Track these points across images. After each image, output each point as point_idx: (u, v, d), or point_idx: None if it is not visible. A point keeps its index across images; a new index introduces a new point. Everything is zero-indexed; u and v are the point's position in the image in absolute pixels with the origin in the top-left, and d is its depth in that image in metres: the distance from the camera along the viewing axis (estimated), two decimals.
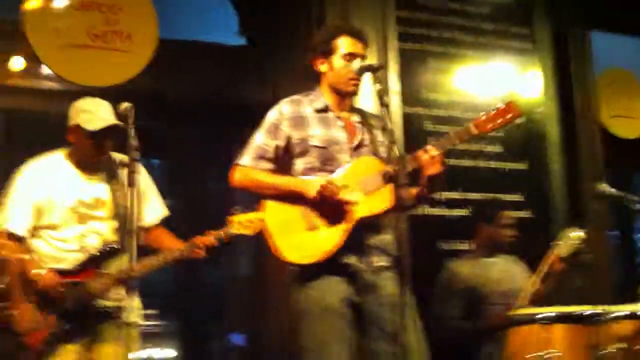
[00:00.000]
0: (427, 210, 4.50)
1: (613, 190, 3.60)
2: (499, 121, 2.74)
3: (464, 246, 4.47)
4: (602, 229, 5.00)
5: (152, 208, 3.34)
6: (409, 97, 4.63)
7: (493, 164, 4.80)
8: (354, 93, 2.98)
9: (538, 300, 3.85)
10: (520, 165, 4.90)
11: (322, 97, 3.00)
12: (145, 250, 3.12)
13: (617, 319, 3.22)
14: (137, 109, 2.69)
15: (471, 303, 3.95)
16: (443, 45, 4.85)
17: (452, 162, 4.58)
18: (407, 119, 4.57)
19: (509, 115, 2.73)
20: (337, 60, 2.94)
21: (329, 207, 2.79)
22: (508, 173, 4.83)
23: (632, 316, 3.27)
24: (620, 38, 6.23)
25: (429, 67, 4.78)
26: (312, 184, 2.80)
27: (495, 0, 5.09)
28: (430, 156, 2.73)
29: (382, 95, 2.64)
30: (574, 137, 5.12)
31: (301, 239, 2.80)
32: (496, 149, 4.82)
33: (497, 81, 4.92)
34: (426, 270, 4.14)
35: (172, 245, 3.20)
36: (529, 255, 4.20)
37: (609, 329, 3.14)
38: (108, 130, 3.09)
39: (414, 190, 2.89)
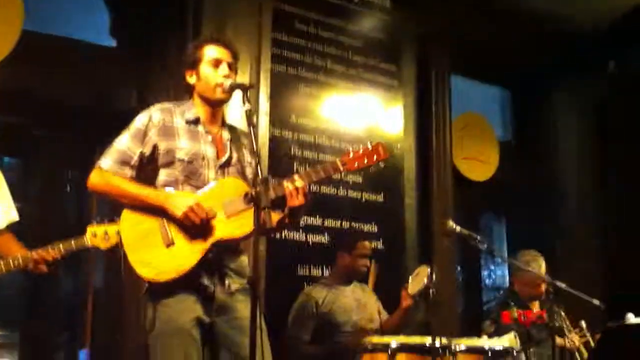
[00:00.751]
0: (286, 234, 4.52)
1: (460, 228, 3.78)
2: (365, 161, 2.82)
3: (320, 272, 4.54)
4: (449, 265, 5.24)
5: (1, 211, 3.13)
6: (277, 119, 4.66)
7: (352, 194, 4.91)
8: (223, 101, 2.94)
9: (388, 330, 3.98)
10: (377, 197, 5.04)
11: (194, 108, 2.95)
12: None
13: (459, 352, 3.40)
14: None
15: (324, 328, 4.01)
16: (315, 72, 4.94)
17: (313, 188, 4.64)
18: (274, 141, 4.60)
19: (375, 157, 2.83)
20: (204, 68, 2.91)
21: (194, 226, 2.72)
22: (365, 203, 4.96)
23: (473, 350, 3.46)
24: (478, 84, 6.62)
25: (299, 91, 4.85)
26: (178, 203, 2.72)
27: (367, 34, 5.25)
28: (294, 187, 2.75)
29: (250, 115, 2.64)
30: (428, 174, 5.35)
31: (157, 254, 2.72)
32: (355, 178, 4.94)
33: (363, 113, 5.08)
34: (283, 294, 4.18)
35: (15, 253, 3.01)
36: (380, 284, 4.36)
37: None
38: None
39: (275, 215, 2.89)
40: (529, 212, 6.42)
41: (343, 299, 4.14)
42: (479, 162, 6.25)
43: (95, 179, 2.84)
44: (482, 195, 6.35)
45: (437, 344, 3.11)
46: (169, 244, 2.73)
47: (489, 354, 3.42)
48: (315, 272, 4.57)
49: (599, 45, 6.12)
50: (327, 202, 4.73)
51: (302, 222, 4.56)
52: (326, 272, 4.42)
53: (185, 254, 2.71)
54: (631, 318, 4.17)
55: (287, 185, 2.76)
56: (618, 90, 6.32)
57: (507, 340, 3.64)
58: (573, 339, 4.43)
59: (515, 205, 6.60)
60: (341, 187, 4.86)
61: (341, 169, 2.82)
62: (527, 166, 6.44)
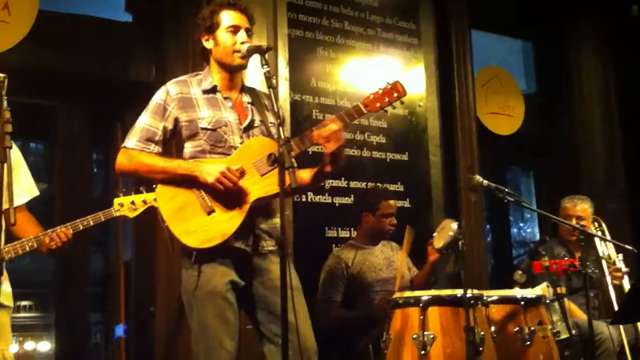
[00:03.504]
0: (312, 197, 4.53)
1: (485, 181, 3.76)
2: (386, 99, 2.83)
3: (348, 234, 4.55)
4: (477, 220, 5.22)
5: (22, 187, 3.17)
6: (297, 84, 4.64)
7: (376, 154, 4.89)
8: (241, 67, 2.94)
9: (418, 286, 3.99)
10: (402, 157, 5.02)
11: (210, 77, 2.95)
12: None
13: (491, 302, 3.40)
14: (15, 83, 2.53)
15: (355, 289, 4.03)
16: (332, 34, 4.89)
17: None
18: (295, 105, 4.58)
19: (395, 94, 2.84)
20: (221, 34, 2.90)
21: (226, 191, 2.74)
22: (390, 163, 4.94)
23: (506, 300, 3.46)
24: (498, 38, 6.53)
25: (317, 55, 4.81)
26: (208, 170, 2.74)
27: None
28: (331, 130, 2.75)
29: (269, 77, 2.62)
30: (453, 131, 5.31)
31: (200, 223, 2.74)
32: (380, 139, 4.92)
33: (383, 73, 5.01)
34: (311, 256, 4.21)
35: (31, 232, 3.05)
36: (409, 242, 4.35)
37: (483, 312, 3.30)
38: None
39: (305, 174, 2.93)
40: (555, 164, 6.36)
41: (372, 259, 4.15)
42: (504, 116, 6.18)
43: (122, 160, 2.86)
44: (508, 150, 6.30)
45: (469, 295, 3.11)
46: (210, 211, 2.76)
47: (522, 303, 3.42)
48: (344, 233, 4.58)
49: None
50: (351, 164, 4.71)
51: (327, 185, 4.58)
52: (354, 234, 4.42)
53: (227, 219, 2.74)
54: None
55: (320, 132, 2.76)
56: None
57: (540, 290, 3.64)
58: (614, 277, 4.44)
59: (542, 158, 6.53)
60: (365, 149, 4.85)
61: (364, 111, 2.83)
62: (552, 117, 6.35)
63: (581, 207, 4.77)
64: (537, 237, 6.39)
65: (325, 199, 4.59)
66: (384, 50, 5.12)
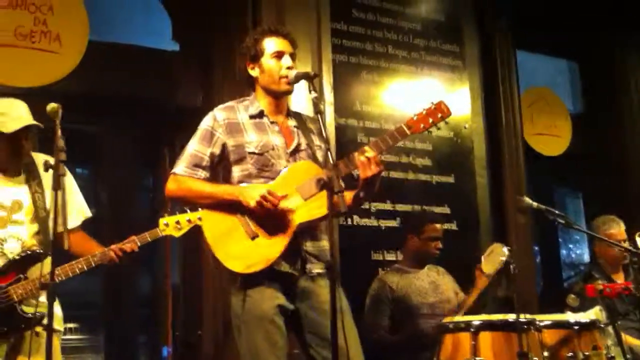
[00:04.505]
0: (359, 220, 4.52)
1: (535, 203, 3.70)
2: (430, 120, 2.78)
3: (394, 257, 4.53)
4: (526, 242, 5.14)
5: (75, 210, 3.23)
6: (342, 108, 4.66)
7: (422, 177, 4.88)
8: (288, 92, 2.95)
9: (466, 311, 3.94)
10: (448, 179, 4.99)
11: (257, 102, 2.97)
12: (67, 255, 3.02)
13: (544, 327, 3.33)
14: (67, 111, 2.60)
15: (401, 313, 4.00)
16: (376, 58, 4.92)
17: (384, 174, 4.63)
18: (340, 130, 4.60)
19: (439, 115, 2.79)
20: (267, 61, 2.92)
21: (269, 215, 2.75)
22: (436, 186, 4.92)
23: (558, 325, 3.39)
24: (543, 58, 6.47)
25: (361, 79, 4.83)
26: (251, 194, 2.75)
27: (427, 17, 5.19)
28: (366, 157, 2.73)
29: (317, 102, 2.64)
30: (499, 152, 5.27)
31: (244, 247, 2.76)
32: (425, 162, 4.91)
33: (428, 95, 4.97)
34: (358, 280, 4.19)
35: (92, 250, 3.10)
36: (456, 266, 4.32)
37: (536, 337, 3.24)
38: (24, 131, 3.00)
39: (348, 196, 2.89)
40: (604, 184, 6.24)
41: (417, 282, 4.12)
42: (550, 137, 6.12)
43: (171, 186, 2.92)
44: (556, 170, 6.22)
45: (521, 320, 3.05)
46: (254, 236, 2.77)
47: (575, 328, 3.34)
48: (389, 256, 4.57)
49: None
50: (397, 187, 4.71)
51: (373, 208, 4.57)
52: (400, 257, 4.39)
53: (271, 243, 2.74)
54: None
55: (359, 157, 2.74)
56: None
57: (593, 314, 3.56)
58: None
59: (590, 177, 6.42)
60: (411, 171, 4.84)
61: (407, 132, 2.79)
62: (599, 137, 6.25)
63: (622, 229, 4.63)
64: (586, 259, 6.26)
65: (371, 222, 4.58)
66: (428, 73, 5.12)
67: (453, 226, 4.91)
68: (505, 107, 5.32)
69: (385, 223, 4.64)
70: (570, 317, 3.45)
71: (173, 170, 2.92)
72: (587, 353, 3.31)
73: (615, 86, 6.33)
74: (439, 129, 2.89)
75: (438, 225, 4.22)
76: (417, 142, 4.89)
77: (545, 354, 3.31)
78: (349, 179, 2.77)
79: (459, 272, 4.29)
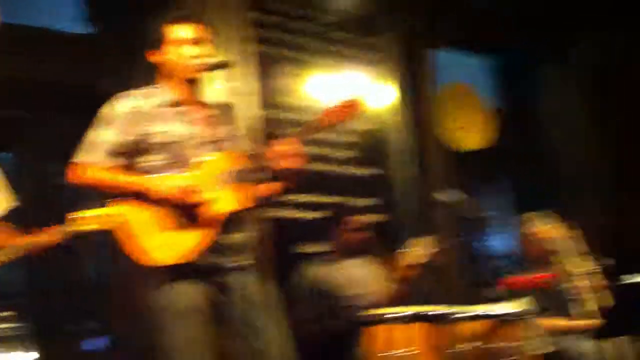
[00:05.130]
0: (285, 212, 4.46)
1: (454, 198, 3.72)
2: (346, 114, 2.77)
3: (320, 248, 4.47)
4: (449, 234, 5.19)
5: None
6: (263, 99, 4.58)
7: (347, 169, 4.85)
8: (198, 79, 2.83)
9: (393, 302, 3.92)
10: (373, 171, 4.99)
11: (165, 90, 2.82)
12: None
13: (469, 319, 3.34)
14: None
15: (327, 305, 3.94)
16: (297, 50, 4.89)
17: (309, 166, 4.59)
18: (261, 121, 4.51)
19: (354, 109, 2.78)
20: (176, 48, 2.78)
21: (188, 207, 2.64)
22: (361, 178, 4.90)
23: (483, 316, 3.40)
24: (464, 55, 6.55)
25: (283, 71, 4.79)
26: (163, 185, 2.63)
27: (346, 10, 5.18)
28: (285, 149, 2.68)
29: (231, 92, 2.56)
30: (422, 146, 5.30)
31: (165, 239, 2.63)
32: (350, 154, 4.88)
33: (348, 88, 4.97)
34: (283, 272, 4.12)
35: (14, 241, 2.94)
36: (381, 258, 4.31)
37: (461, 329, 3.24)
38: None
39: (268, 187, 2.85)
40: (527, 179, 6.38)
41: (344, 274, 4.08)
42: (473, 132, 6.17)
43: (74, 173, 2.75)
44: (481, 164, 6.30)
45: (445, 312, 3.05)
46: (174, 227, 2.64)
47: (499, 319, 3.36)
48: (316, 248, 4.49)
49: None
50: (323, 179, 4.68)
51: (299, 200, 4.51)
52: (327, 249, 4.35)
53: (193, 235, 2.64)
54: None
55: (277, 148, 2.68)
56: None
57: (516, 306, 3.59)
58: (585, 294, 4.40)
59: (515, 171, 6.55)
60: (335, 163, 4.81)
61: (325, 125, 2.76)
62: (522, 131, 6.38)
63: (551, 227, 4.71)
64: (513, 249, 6.37)
65: (297, 214, 4.51)
66: (349, 67, 5.10)
67: (378, 218, 4.90)
68: (425, 101, 5.36)
69: (311, 215, 4.58)
70: (494, 308, 3.47)
71: (74, 158, 2.75)
72: (510, 344, 3.34)
73: (536, 83, 6.46)
74: (352, 122, 2.92)
75: (361, 218, 4.19)
76: (342, 135, 4.85)
77: (471, 345, 3.32)
78: (267, 171, 2.70)
79: (384, 264, 4.28)
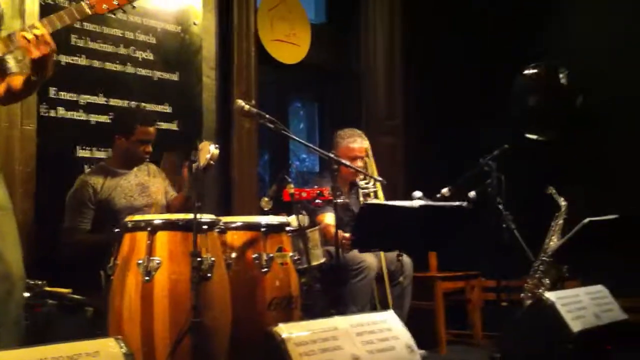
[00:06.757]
0: (64, 113, 4.15)
1: (249, 107, 3.60)
2: (115, 2, 2.64)
3: (103, 154, 4.25)
4: (250, 147, 5.10)
5: None
6: None
7: (142, 71, 4.57)
8: None
9: (175, 210, 3.82)
10: (172, 76, 4.74)
11: None
12: None
13: (230, 229, 3.31)
14: None
15: (104, 216, 3.76)
16: None
17: (96, 64, 4.31)
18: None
19: None
20: None
21: None
22: (158, 82, 4.65)
23: (247, 226, 3.38)
24: None
25: None
26: None
27: None
28: (34, 35, 2.48)
29: None
30: (230, 54, 5.10)
31: None
32: (147, 55, 4.60)
33: None
34: (59, 178, 3.89)
35: None
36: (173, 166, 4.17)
37: (220, 238, 3.19)
38: None
39: (18, 80, 2.65)
40: (340, 96, 6.38)
41: (124, 184, 3.88)
42: (289, 45, 6.03)
43: None
44: (294, 79, 6.21)
45: (205, 220, 2.97)
46: None
47: (263, 230, 3.36)
48: (99, 154, 4.25)
49: None
50: (113, 79, 4.38)
51: (82, 100, 4.22)
52: (107, 155, 4.14)
53: None
54: (417, 195, 4.26)
55: (24, 34, 2.48)
56: None
57: (285, 218, 3.59)
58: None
59: (327, 88, 6.52)
60: (129, 64, 4.50)
61: (89, 12, 2.60)
62: (339, 49, 6.33)
63: (365, 145, 4.74)
64: (318, 169, 6.40)
65: (78, 115, 4.21)
66: None
67: (174, 126, 4.71)
68: (239, 7, 5.13)
69: (95, 118, 4.29)
70: (258, 219, 3.44)
71: None
72: (271, 255, 3.34)
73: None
74: (124, 12, 2.72)
75: (151, 129, 3.94)
76: (139, 34, 4.54)
77: (233, 255, 3.29)
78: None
79: (176, 174, 4.13)
